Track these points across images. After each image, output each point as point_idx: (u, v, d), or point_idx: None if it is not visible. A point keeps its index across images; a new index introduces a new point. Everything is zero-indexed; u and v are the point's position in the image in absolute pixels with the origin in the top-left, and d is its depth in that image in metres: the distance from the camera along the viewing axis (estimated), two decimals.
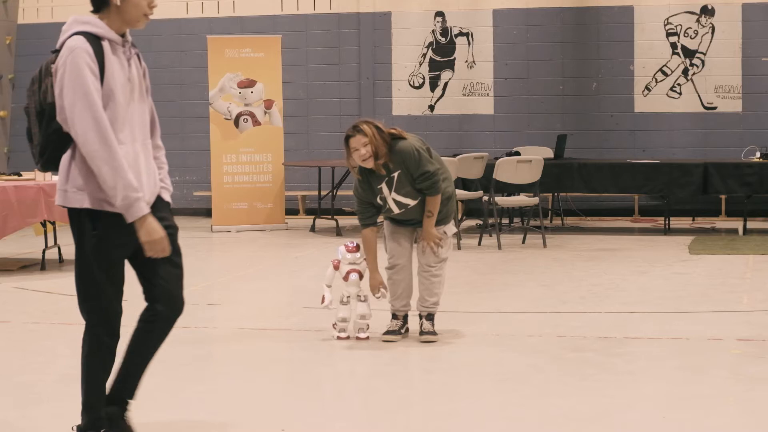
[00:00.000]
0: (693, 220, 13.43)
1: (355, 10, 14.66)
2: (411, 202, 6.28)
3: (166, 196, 4.24)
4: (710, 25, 13.68)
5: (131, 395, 4.27)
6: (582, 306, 7.68)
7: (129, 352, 4.22)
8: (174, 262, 4.13)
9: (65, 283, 9.02)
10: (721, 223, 13.28)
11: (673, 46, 13.79)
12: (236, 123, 13.15)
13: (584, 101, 14.06)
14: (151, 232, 3.95)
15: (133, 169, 3.93)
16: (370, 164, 6.20)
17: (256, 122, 13.18)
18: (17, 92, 15.58)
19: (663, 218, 12.61)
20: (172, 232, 4.10)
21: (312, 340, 6.53)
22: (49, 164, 4.05)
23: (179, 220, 14.51)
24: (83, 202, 3.94)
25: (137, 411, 4.99)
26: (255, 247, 11.66)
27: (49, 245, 10.03)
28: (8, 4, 15.32)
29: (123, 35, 3.98)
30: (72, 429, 4.20)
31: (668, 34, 13.81)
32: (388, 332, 6.44)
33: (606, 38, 13.98)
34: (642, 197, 13.82)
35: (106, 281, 4.06)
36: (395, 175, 6.23)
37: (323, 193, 13.28)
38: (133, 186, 3.87)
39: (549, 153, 12.80)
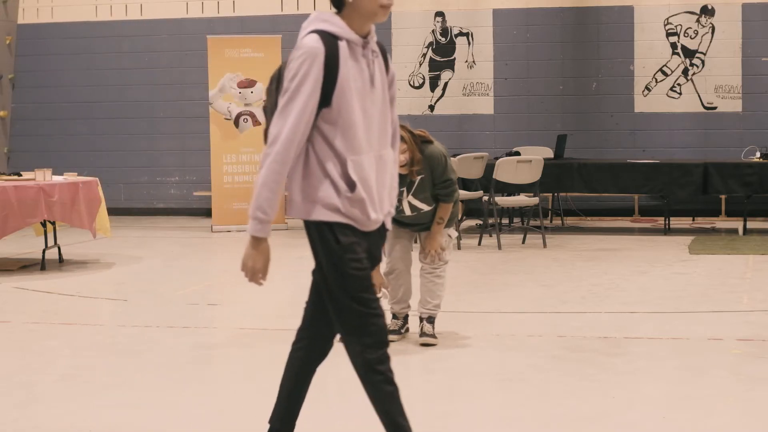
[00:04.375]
0: (693, 220, 13.43)
1: None
2: (425, 208, 6.28)
3: (388, 223, 3.81)
4: (710, 25, 13.68)
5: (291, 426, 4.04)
6: (582, 306, 7.68)
7: (285, 381, 4.04)
8: None
9: (65, 283, 9.03)
10: (721, 223, 13.28)
11: (673, 46, 13.79)
12: (236, 123, 13.15)
13: (584, 101, 14.06)
14: (256, 258, 3.65)
15: (363, 184, 3.60)
16: (404, 171, 6.14)
17: (256, 122, 13.18)
18: (17, 92, 15.58)
19: (663, 218, 12.61)
20: (373, 263, 3.79)
21: None
22: None
23: (179, 220, 14.44)
24: (318, 214, 3.63)
25: (137, 411, 4.99)
26: None
27: (49, 245, 10.03)
28: (8, 4, 15.32)
29: (365, 36, 3.63)
30: None
31: (668, 34, 13.81)
32: (389, 332, 6.44)
33: (606, 38, 13.98)
34: (642, 197, 13.82)
35: (366, 289, 3.65)
36: (417, 179, 6.20)
37: None
38: (266, 210, 3.59)
39: (549, 153, 12.80)
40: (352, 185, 3.58)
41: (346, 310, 3.66)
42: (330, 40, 3.55)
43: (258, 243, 3.63)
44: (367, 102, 3.61)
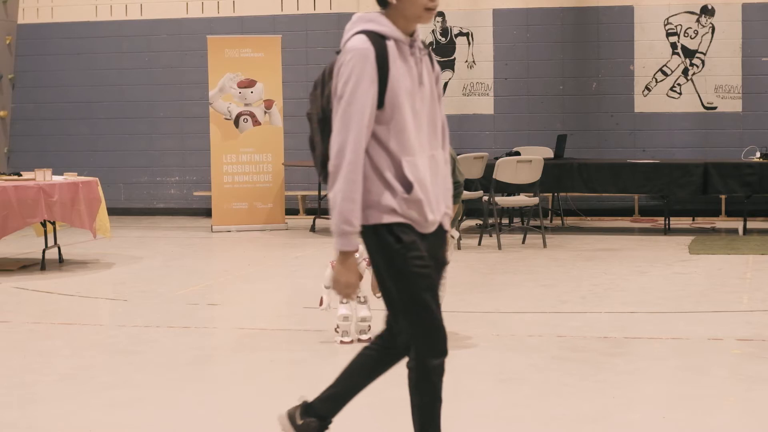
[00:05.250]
0: (693, 220, 13.43)
1: (355, 10, 14.63)
2: None
3: (446, 224, 3.72)
4: (710, 25, 13.68)
5: (334, 414, 3.99)
6: (582, 306, 7.68)
7: (347, 372, 3.93)
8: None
9: (65, 283, 9.03)
10: (721, 223, 13.27)
11: (673, 46, 13.79)
12: (236, 123, 13.15)
13: (584, 101, 14.06)
14: (346, 273, 3.52)
15: (419, 184, 3.52)
16: None
17: (256, 122, 13.18)
18: (17, 92, 15.58)
19: (663, 218, 12.61)
20: (439, 267, 3.72)
21: (312, 340, 6.53)
22: None
23: (179, 220, 14.41)
24: (376, 218, 3.53)
25: (137, 411, 4.99)
26: (255, 247, 11.67)
27: (49, 245, 10.03)
28: (8, 4, 15.32)
29: (411, 34, 3.56)
30: None
31: (668, 34, 13.80)
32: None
33: (606, 38, 13.98)
34: (642, 197, 13.82)
35: (429, 291, 3.57)
36: None
37: (323, 193, 13.27)
38: (349, 220, 3.45)
39: (549, 153, 12.80)
40: (408, 186, 3.51)
41: (412, 315, 3.58)
42: (378, 40, 3.48)
43: (347, 258, 3.51)
44: (416, 101, 3.55)
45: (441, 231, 3.69)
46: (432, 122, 3.62)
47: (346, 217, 3.45)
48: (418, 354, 3.60)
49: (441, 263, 3.74)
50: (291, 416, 4.01)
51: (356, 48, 3.45)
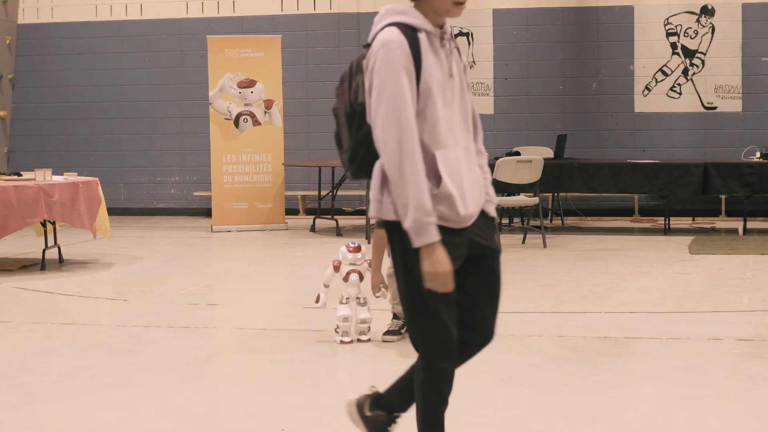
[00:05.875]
0: (693, 220, 13.43)
1: (354, 10, 14.67)
2: None
3: (491, 210, 3.63)
4: (710, 25, 13.68)
5: (404, 409, 3.83)
6: (582, 306, 7.68)
7: (401, 387, 3.78)
8: (494, 289, 3.63)
9: (65, 283, 9.03)
10: (721, 223, 13.27)
11: (673, 46, 13.79)
12: (236, 123, 13.15)
13: (584, 101, 14.07)
14: (436, 264, 3.36)
15: (455, 178, 3.43)
16: None
17: (256, 122, 13.18)
18: (17, 92, 15.58)
19: (663, 218, 12.61)
20: (492, 254, 3.60)
21: (312, 340, 6.53)
22: (361, 171, 3.55)
23: (179, 220, 14.40)
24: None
25: (137, 411, 4.99)
26: (255, 247, 11.67)
27: (49, 245, 10.03)
28: (8, 4, 15.32)
29: (441, 26, 3.50)
30: None
31: (668, 34, 13.81)
32: (388, 332, 6.45)
33: (606, 38, 13.98)
34: (642, 197, 13.83)
35: (442, 299, 3.46)
36: None
37: (323, 193, 13.27)
38: (427, 209, 3.33)
39: (549, 153, 12.80)
40: (437, 181, 3.41)
41: (419, 317, 3.52)
42: (409, 32, 3.40)
43: (434, 249, 3.35)
44: (447, 94, 3.47)
45: (488, 219, 3.61)
46: (464, 114, 3.55)
47: (423, 208, 3.33)
48: (425, 357, 3.56)
49: (493, 250, 3.61)
50: (360, 405, 3.90)
51: (389, 40, 3.38)
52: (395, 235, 3.47)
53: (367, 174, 3.52)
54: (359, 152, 3.52)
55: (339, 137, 3.65)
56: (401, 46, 3.36)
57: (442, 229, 3.41)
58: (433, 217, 3.34)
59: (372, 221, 11.10)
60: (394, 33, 3.38)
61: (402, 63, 3.35)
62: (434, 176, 3.41)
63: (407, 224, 3.35)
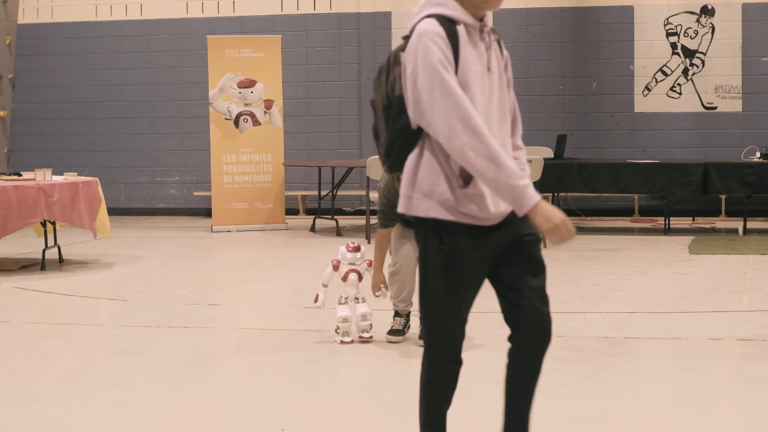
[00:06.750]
0: (693, 220, 13.43)
1: (355, 10, 14.67)
2: None
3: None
4: (710, 25, 13.68)
5: (524, 430, 3.72)
6: (582, 306, 7.68)
7: (509, 389, 3.68)
8: (538, 276, 3.56)
9: (65, 283, 9.03)
10: (721, 223, 13.28)
11: (673, 46, 13.79)
12: (236, 123, 13.15)
13: (584, 101, 14.07)
14: (550, 217, 3.28)
15: None
16: None
17: (256, 122, 13.19)
18: (17, 92, 15.58)
19: (663, 218, 12.61)
20: (532, 239, 3.52)
21: (312, 340, 6.53)
22: (397, 164, 3.48)
23: (179, 220, 14.35)
24: (429, 210, 3.36)
25: (137, 411, 4.99)
26: (255, 247, 11.67)
27: (49, 245, 10.03)
28: (8, 4, 15.32)
29: (481, 19, 3.43)
30: None
31: (668, 34, 13.81)
32: (392, 331, 6.44)
33: (606, 38, 13.98)
34: (642, 197, 13.83)
35: (451, 303, 3.47)
36: None
37: (323, 193, 13.28)
38: (516, 173, 3.25)
39: (549, 153, 12.80)
40: (467, 179, 3.34)
41: (429, 316, 3.50)
42: (447, 24, 3.33)
43: (539, 208, 3.27)
44: (485, 87, 3.40)
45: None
46: (502, 110, 3.49)
47: (512, 172, 3.25)
48: (429, 355, 3.54)
49: (532, 235, 3.53)
50: None
51: (426, 30, 3.31)
52: (420, 231, 3.43)
53: (403, 167, 3.46)
54: (396, 145, 3.46)
55: (377, 130, 3.60)
56: (439, 36, 3.29)
57: (471, 229, 3.37)
58: (525, 179, 3.26)
59: (372, 221, 11.12)
60: (433, 24, 3.32)
61: (440, 51, 3.28)
62: (463, 174, 3.35)
63: (505, 197, 3.28)
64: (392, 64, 3.50)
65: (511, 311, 3.55)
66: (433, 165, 3.36)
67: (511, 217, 3.43)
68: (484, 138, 3.24)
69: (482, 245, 3.40)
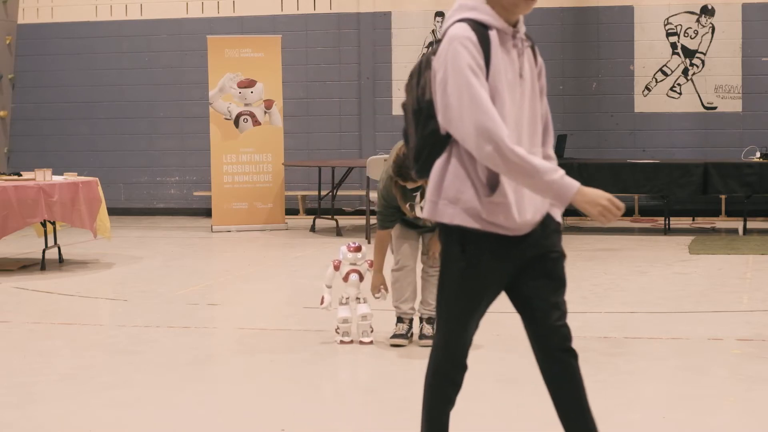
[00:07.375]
0: (693, 220, 13.43)
1: (355, 10, 14.67)
2: None
3: (557, 215, 3.49)
4: (710, 25, 13.68)
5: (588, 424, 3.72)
6: (582, 306, 7.68)
7: (558, 409, 3.70)
8: (557, 292, 3.51)
9: (65, 283, 9.03)
10: (721, 223, 13.28)
11: (673, 46, 13.79)
12: (236, 123, 13.15)
13: (584, 101, 14.07)
14: (595, 201, 3.23)
15: (511, 185, 3.31)
16: (420, 182, 6.06)
17: (256, 122, 13.19)
18: (17, 92, 15.58)
19: (663, 218, 12.61)
20: (556, 256, 3.48)
21: (312, 340, 6.53)
22: (425, 169, 3.43)
23: (179, 220, 14.38)
24: (454, 217, 3.32)
25: (137, 411, 4.99)
26: (255, 247, 11.67)
27: (49, 245, 10.03)
28: (8, 4, 15.32)
29: (515, 25, 3.39)
30: None
31: (668, 34, 13.81)
32: (396, 336, 6.40)
33: (606, 38, 13.98)
34: (642, 197, 13.82)
35: (466, 310, 3.45)
36: None
37: (323, 193, 13.28)
38: (548, 168, 3.21)
39: None
40: (493, 187, 3.30)
41: (443, 322, 3.49)
42: (479, 29, 3.29)
43: (581, 194, 3.23)
44: (516, 95, 3.33)
45: (552, 223, 3.48)
46: (532, 118, 3.42)
47: (544, 169, 3.22)
48: (434, 356, 3.54)
49: (556, 252, 3.49)
50: None
51: (457, 35, 3.27)
52: (444, 237, 3.41)
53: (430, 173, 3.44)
54: (425, 150, 3.41)
55: (406, 133, 3.57)
56: (470, 41, 3.26)
57: (495, 239, 3.34)
58: (557, 172, 3.23)
59: (372, 221, 11.12)
60: (464, 28, 3.28)
61: (470, 56, 3.24)
62: (489, 182, 3.32)
63: (546, 195, 3.26)
64: (423, 67, 3.45)
65: (530, 326, 3.53)
66: (459, 172, 3.33)
67: (538, 230, 3.41)
68: (506, 146, 3.19)
69: (505, 256, 3.37)
